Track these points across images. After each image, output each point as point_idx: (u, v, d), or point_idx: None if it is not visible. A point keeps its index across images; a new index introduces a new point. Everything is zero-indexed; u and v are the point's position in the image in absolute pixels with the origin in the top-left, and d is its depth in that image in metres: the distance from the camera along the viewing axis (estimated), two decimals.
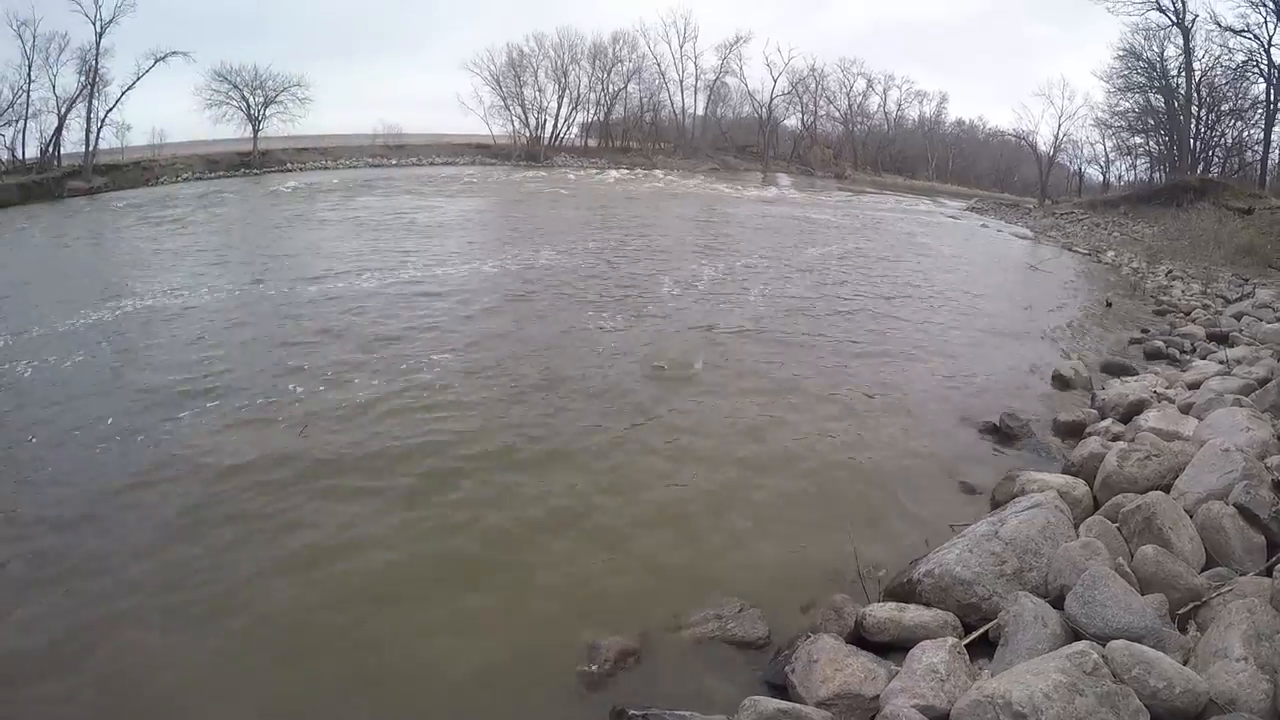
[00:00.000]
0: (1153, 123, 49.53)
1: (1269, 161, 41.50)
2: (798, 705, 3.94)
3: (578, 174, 53.73)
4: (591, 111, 69.09)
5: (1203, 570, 4.83)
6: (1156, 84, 46.50)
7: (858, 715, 3.98)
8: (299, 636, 4.93)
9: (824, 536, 6.22)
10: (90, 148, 41.69)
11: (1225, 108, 44.80)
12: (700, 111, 74.01)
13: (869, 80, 77.88)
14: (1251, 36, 39.29)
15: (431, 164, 54.85)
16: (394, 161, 53.82)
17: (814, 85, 74.27)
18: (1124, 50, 47.33)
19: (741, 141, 73.97)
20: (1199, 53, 43.33)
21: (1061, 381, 10.93)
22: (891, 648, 4.50)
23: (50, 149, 41.51)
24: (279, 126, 52.72)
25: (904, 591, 5.03)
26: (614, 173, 55.45)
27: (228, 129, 51.24)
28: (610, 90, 68.11)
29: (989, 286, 19.93)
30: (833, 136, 78.30)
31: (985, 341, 13.49)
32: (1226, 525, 5.01)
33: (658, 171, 58.30)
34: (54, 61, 41.57)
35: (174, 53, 46.15)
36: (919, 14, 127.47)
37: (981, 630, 4.51)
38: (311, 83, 54.03)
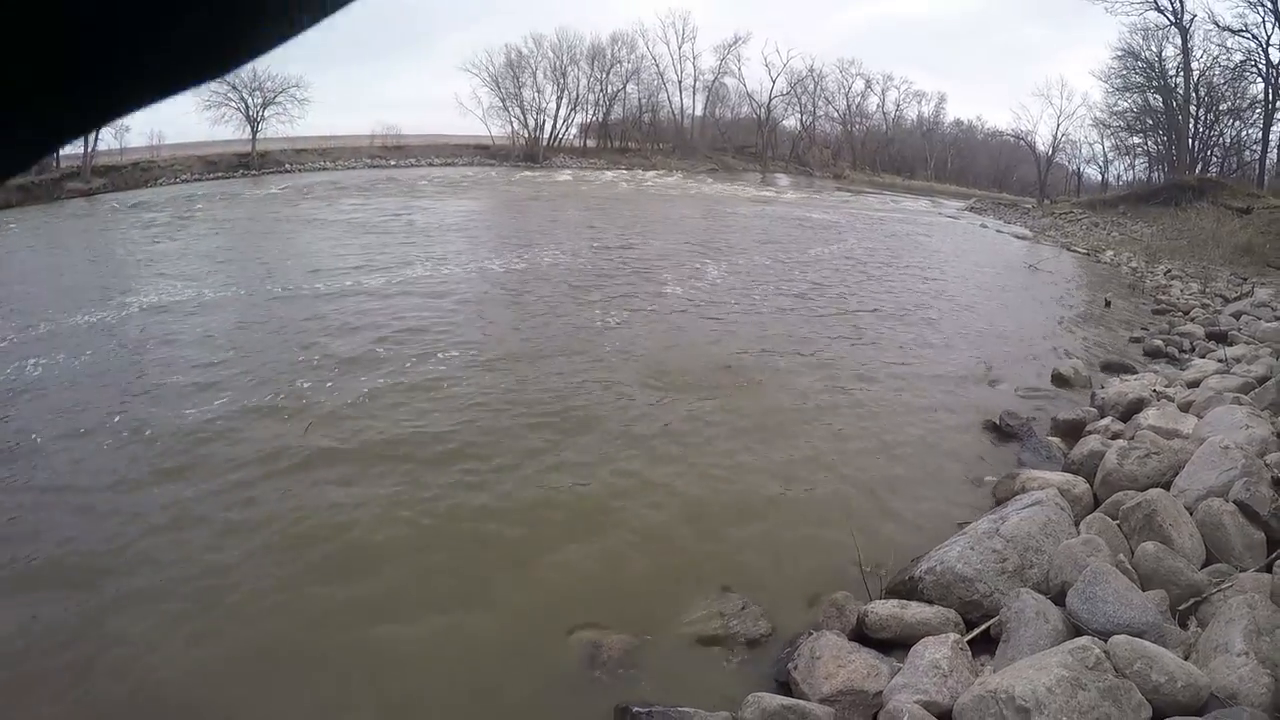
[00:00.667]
0: (1151, 122, 49.73)
1: (1267, 161, 41.72)
2: (801, 702, 3.95)
3: (577, 174, 53.76)
4: (590, 112, 69.18)
5: (1203, 567, 4.85)
6: (1155, 84, 46.68)
7: (861, 711, 3.99)
8: (295, 634, 4.92)
9: (825, 534, 6.24)
10: (89, 149, 41.64)
11: (1223, 107, 45.03)
12: (699, 112, 74.18)
13: (867, 80, 78.10)
14: (1249, 36, 39.59)
15: (430, 165, 54.80)
16: (393, 162, 53.81)
17: (812, 86, 74.47)
18: (1122, 50, 47.60)
19: (740, 142, 74.03)
20: (1197, 52, 43.62)
21: (1061, 380, 10.96)
22: (894, 644, 4.51)
23: None
24: (278, 128, 52.54)
25: (906, 589, 5.05)
26: (613, 173, 55.44)
27: (226, 130, 51.07)
28: (609, 91, 68.19)
29: (988, 286, 19.96)
30: (831, 137, 78.42)
31: (984, 340, 13.51)
32: (1226, 522, 5.03)
33: (656, 172, 58.31)
34: None
35: None
36: (917, 14, 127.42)
37: (983, 627, 4.54)
38: (310, 84, 53.87)
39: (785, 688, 4.29)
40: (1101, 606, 4.07)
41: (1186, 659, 3.77)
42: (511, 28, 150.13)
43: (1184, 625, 4.27)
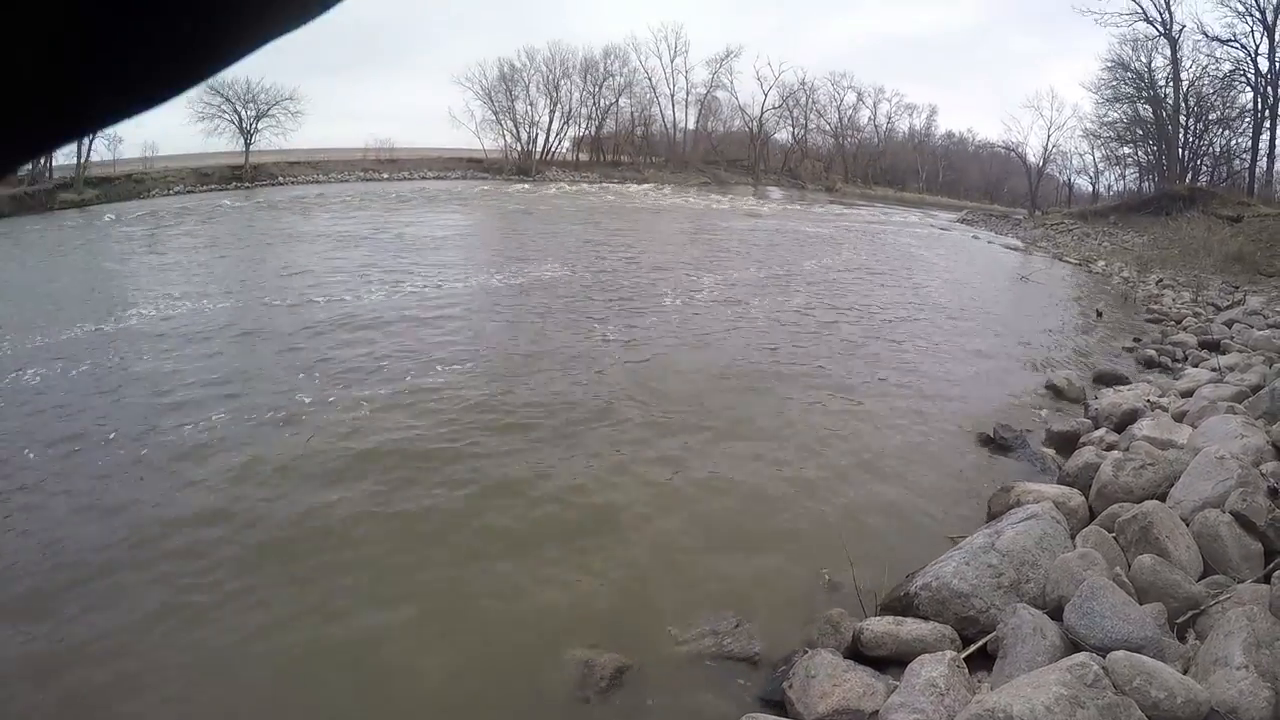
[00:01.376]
0: (1141, 133, 50.14)
1: (1257, 169, 41.99)
2: None
3: (570, 188, 53.89)
4: (583, 126, 69.57)
5: (1200, 578, 4.81)
6: (1145, 94, 47.09)
7: None
8: (286, 656, 4.83)
9: (819, 550, 6.17)
10: (82, 160, 41.65)
11: (1213, 117, 45.42)
12: (691, 125, 74.72)
13: (859, 93, 78.84)
14: (1238, 46, 40.02)
15: (423, 178, 54.98)
16: (386, 176, 53.92)
17: (804, 99, 75.09)
18: (1112, 61, 48.12)
19: (732, 155, 74.39)
20: (1186, 63, 44.11)
21: (1055, 392, 10.94)
22: (890, 662, 4.44)
23: (42, 161, 41.44)
24: (271, 140, 52.86)
25: (901, 605, 4.98)
26: (605, 186, 55.61)
27: (219, 142, 51.35)
28: (602, 104, 68.64)
29: (980, 298, 20.00)
30: (823, 150, 78.94)
31: (977, 353, 13.49)
32: (1223, 533, 4.99)
33: (649, 185, 58.52)
34: None
35: None
36: (908, 27, 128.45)
37: (980, 643, 4.47)
38: (303, 97, 54.45)
39: (780, 707, 4.22)
40: (1099, 621, 4.02)
41: (1186, 673, 3.71)
42: (506, 42, 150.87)
43: (1182, 638, 4.22)
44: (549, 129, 66.03)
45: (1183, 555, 4.92)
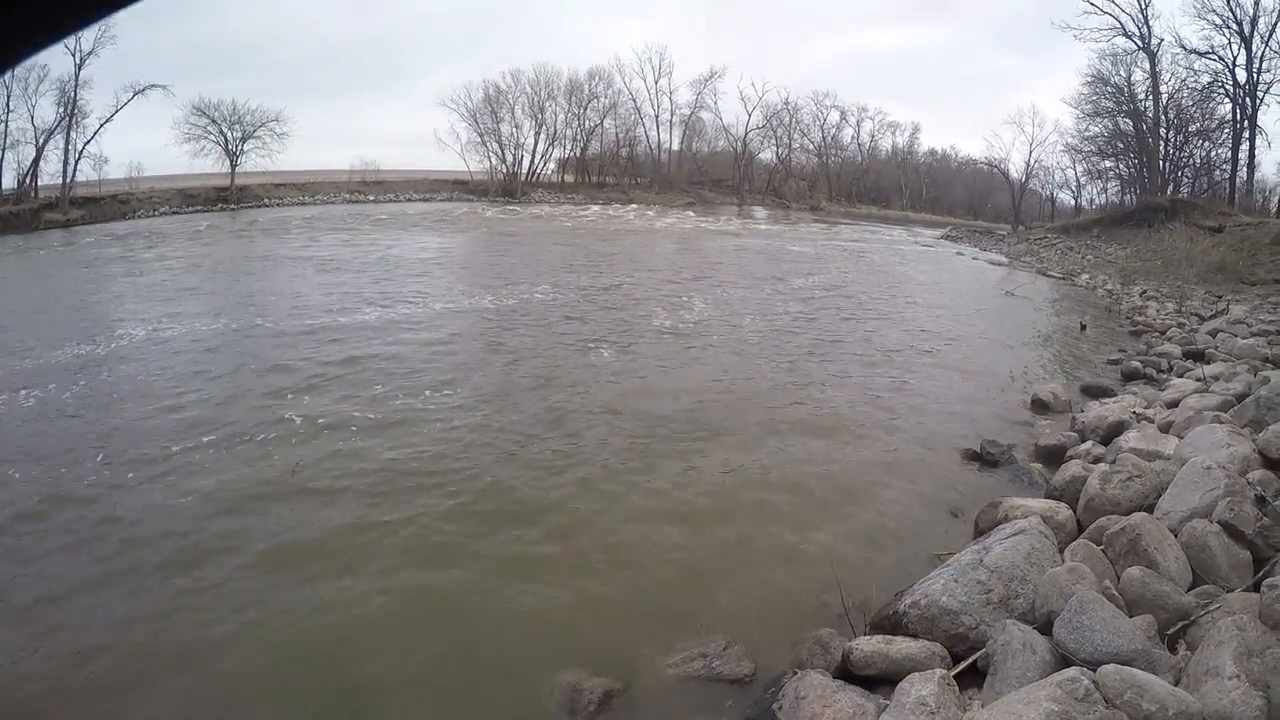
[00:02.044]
0: (1122, 146, 50.74)
1: (1237, 179, 42.48)
2: None
3: (555, 209, 54.10)
4: (568, 147, 69.83)
5: (1190, 589, 4.78)
6: (1125, 108, 47.68)
7: None
8: (273, 683, 4.74)
9: (808, 570, 6.13)
10: (67, 180, 41.50)
11: (1193, 128, 46.05)
12: (676, 146, 75.06)
13: (842, 112, 79.33)
14: (1216, 58, 40.61)
15: (409, 200, 55.03)
16: (371, 198, 54.00)
17: (788, 118, 75.63)
18: (1092, 76, 48.77)
19: (717, 175, 74.85)
20: (1165, 76, 44.71)
21: (1041, 406, 10.96)
22: (880, 681, 4.38)
23: (27, 180, 41.31)
24: (257, 161, 52.78)
25: (890, 623, 4.93)
26: (591, 208, 55.86)
27: (205, 163, 51.27)
28: (587, 126, 68.94)
29: (965, 314, 20.10)
30: (807, 169, 79.46)
31: (963, 369, 13.53)
32: (1211, 543, 4.98)
33: (634, 206, 58.73)
34: (32, 92, 41.49)
35: (153, 85, 46.18)
36: (890, 45, 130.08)
37: (970, 660, 4.42)
38: (290, 118, 54.17)
39: None
40: (1089, 635, 3.98)
41: (1177, 684, 3.68)
42: (491, 65, 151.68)
43: (1173, 649, 4.19)
44: (534, 151, 66.42)
45: (1172, 566, 4.89)
